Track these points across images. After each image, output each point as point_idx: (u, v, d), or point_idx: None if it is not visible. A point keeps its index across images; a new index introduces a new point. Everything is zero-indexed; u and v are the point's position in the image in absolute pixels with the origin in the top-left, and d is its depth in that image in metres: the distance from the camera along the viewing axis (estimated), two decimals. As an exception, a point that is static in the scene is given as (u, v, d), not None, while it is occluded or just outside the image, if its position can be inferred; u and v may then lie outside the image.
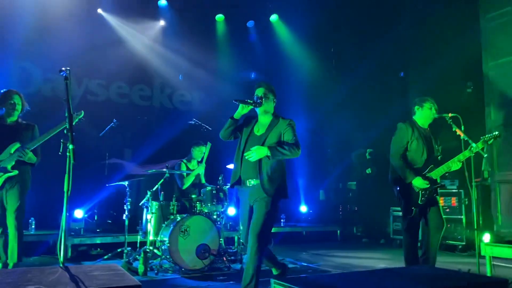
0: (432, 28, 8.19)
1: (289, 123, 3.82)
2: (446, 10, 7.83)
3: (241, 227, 3.99)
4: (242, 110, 3.77)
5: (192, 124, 6.99)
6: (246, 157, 3.65)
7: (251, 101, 3.77)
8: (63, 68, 2.90)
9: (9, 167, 4.33)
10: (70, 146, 2.70)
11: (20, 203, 4.38)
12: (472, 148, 4.19)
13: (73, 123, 3.57)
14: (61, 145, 2.80)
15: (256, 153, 3.60)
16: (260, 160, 3.71)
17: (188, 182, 6.22)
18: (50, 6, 7.45)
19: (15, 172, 4.34)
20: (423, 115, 4.41)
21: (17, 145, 4.38)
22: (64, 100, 2.87)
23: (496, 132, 4.35)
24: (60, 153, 2.77)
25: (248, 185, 3.78)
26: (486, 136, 4.30)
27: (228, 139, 3.93)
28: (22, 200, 4.40)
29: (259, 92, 3.86)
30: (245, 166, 3.79)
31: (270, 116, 3.89)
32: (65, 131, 2.79)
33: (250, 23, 9.59)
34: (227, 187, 5.59)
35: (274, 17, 9.50)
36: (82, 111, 4.49)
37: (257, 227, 3.61)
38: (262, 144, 3.70)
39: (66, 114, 2.80)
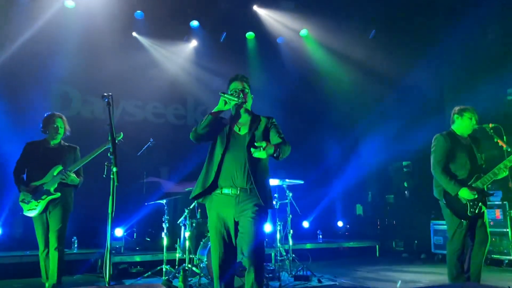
0: (471, 38, 7.98)
1: (272, 120, 3.37)
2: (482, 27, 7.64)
3: (214, 249, 3.19)
4: (224, 106, 3.24)
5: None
6: (253, 154, 3.02)
7: (237, 98, 3.25)
8: (105, 94, 3.00)
9: (52, 189, 4.41)
10: (114, 169, 2.78)
11: (62, 225, 4.43)
12: None
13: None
14: (105, 168, 2.88)
15: (267, 150, 2.98)
16: (249, 162, 3.15)
17: None
18: (88, 31, 7.77)
19: (58, 194, 4.41)
20: (463, 124, 4.30)
21: (60, 167, 4.46)
22: (108, 124, 2.97)
23: None
24: (104, 176, 2.86)
25: (230, 193, 3.14)
26: None
27: (202, 140, 3.33)
28: (64, 222, 4.45)
29: (238, 86, 3.39)
30: (227, 171, 3.17)
31: (249, 114, 3.41)
32: (108, 154, 2.87)
33: (280, 39, 9.66)
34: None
35: (304, 32, 9.53)
36: (121, 133, 4.55)
37: (256, 246, 3.00)
38: (249, 144, 3.15)
39: (109, 138, 2.89)
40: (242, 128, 3.32)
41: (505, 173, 4.10)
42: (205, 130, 3.25)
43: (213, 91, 9.35)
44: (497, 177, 4.11)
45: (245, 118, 3.37)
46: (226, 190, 3.16)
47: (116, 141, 4.31)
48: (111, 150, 2.83)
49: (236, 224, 3.14)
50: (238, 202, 3.12)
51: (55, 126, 4.60)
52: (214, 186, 3.20)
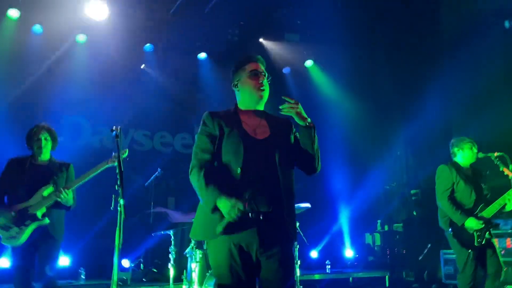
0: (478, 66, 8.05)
1: (291, 122, 2.65)
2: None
3: None
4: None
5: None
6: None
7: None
8: (114, 128, 3.06)
9: (39, 214, 3.66)
10: (121, 201, 2.80)
11: (52, 261, 3.70)
12: None
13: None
14: (112, 200, 2.90)
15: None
16: (281, 177, 2.38)
17: None
18: (98, 63, 8.00)
19: (46, 221, 3.66)
20: (465, 155, 4.30)
21: (50, 188, 3.74)
22: (115, 157, 3.02)
23: None
24: (112, 208, 2.88)
25: (258, 218, 2.28)
26: None
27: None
28: (55, 257, 3.75)
29: (262, 66, 2.67)
30: (254, 188, 2.33)
31: (263, 111, 2.64)
32: (116, 187, 2.90)
33: (286, 70, 9.82)
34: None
35: (309, 63, 9.69)
36: (127, 149, 3.97)
37: None
38: (274, 153, 2.41)
39: (117, 171, 2.93)
40: (258, 130, 2.64)
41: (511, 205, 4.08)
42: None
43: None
44: (505, 210, 4.09)
45: (260, 116, 2.74)
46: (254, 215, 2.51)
47: (122, 158, 3.72)
48: (118, 182, 2.87)
49: (257, 262, 2.44)
50: (263, 232, 2.41)
51: (39, 138, 3.85)
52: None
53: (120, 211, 2.80)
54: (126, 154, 3.92)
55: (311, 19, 8.80)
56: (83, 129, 8.49)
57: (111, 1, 7.44)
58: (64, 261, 7.04)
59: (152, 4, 7.97)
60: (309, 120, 2.52)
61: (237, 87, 2.68)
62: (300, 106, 2.50)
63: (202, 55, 9.19)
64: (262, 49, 9.21)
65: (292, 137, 2.65)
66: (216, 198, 2.34)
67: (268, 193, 2.35)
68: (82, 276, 6.58)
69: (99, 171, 3.88)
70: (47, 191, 3.72)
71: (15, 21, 7.44)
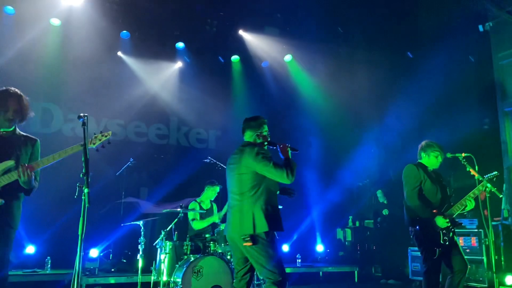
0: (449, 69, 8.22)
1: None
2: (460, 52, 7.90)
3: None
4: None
5: (207, 162, 7.07)
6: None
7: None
8: (82, 114, 2.99)
9: None
10: (86, 190, 2.75)
11: (4, 248, 3.13)
12: (480, 186, 4.15)
13: (101, 143, 3.47)
14: (77, 189, 2.84)
15: None
16: None
17: (198, 226, 6.07)
18: (71, 49, 7.80)
19: (1, 201, 3.10)
20: (430, 162, 4.39)
21: (10, 163, 3.17)
22: (81, 145, 2.96)
23: (495, 172, 4.30)
24: (75, 197, 2.82)
25: None
26: (490, 174, 4.25)
27: None
28: (7, 245, 3.16)
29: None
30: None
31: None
32: (81, 175, 2.84)
33: (265, 64, 9.81)
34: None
35: (288, 58, 9.70)
36: (110, 131, 3.68)
37: None
38: None
39: (83, 159, 2.87)
40: None
41: (472, 205, 4.19)
42: None
43: (197, 112, 9.42)
44: (466, 209, 4.19)
45: None
46: None
47: (105, 139, 3.61)
48: (83, 171, 2.81)
49: None
50: None
51: (7, 108, 3.27)
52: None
53: (84, 200, 2.74)
54: (110, 136, 3.64)
55: (291, 13, 8.81)
56: (55, 116, 8.28)
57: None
58: (29, 249, 6.91)
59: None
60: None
61: None
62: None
63: (180, 45, 9.08)
64: (241, 41, 9.18)
65: None
66: None
67: None
68: (48, 265, 6.45)
69: (70, 153, 3.27)
70: (5, 166, 3.15)
71: (-15, 0, 7.19)
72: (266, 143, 3.69)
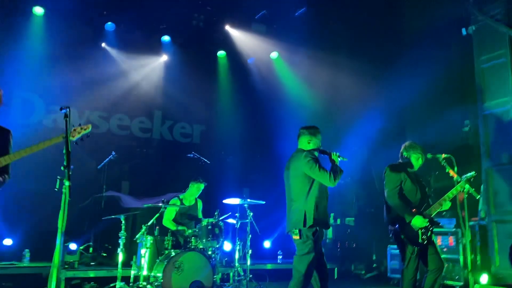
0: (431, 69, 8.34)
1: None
2: (442, 52, 8.01)
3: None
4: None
5: (191, 157, 7.04)
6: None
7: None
8: (64, 106, 2.96)
9: None
10: (66, 183, 2.72)
11: None
12: (459, 187, 4.23)
13: (80, 137, 3.49)
14: (58, 182, 2.80)
15: None
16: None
17: (168, 225, 6.00)
18: (54, 38, 7.65)
19: None
20: (410, 163, 4.47)
21: None
22: (63, 137, 2.92)
23: (473, 172, 4.39)
24: (56, 189, 2.78)
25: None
26: (468, 175, 4.33)
27: None
28: None
29: None
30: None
31: None
32: (62, 168, 2.80)
33: (251, 60, 9.80)
34: (222, 222, 5.59)
35: (274, 55, 9.71)
36: (90, 125, 3.73)
37: None
38: None
39: (64, 151, 2.83)
40: None
41: (448, 205, 4.27)
42: None
43: (181, 106, 9.37)
44: (442, 208, 4.28)
45: None
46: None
47: (84, 133, 3.63)
48: (64, 163, 2.78)
49: None
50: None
51: None
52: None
53: (65, 193, 2.72)
54: (90, 130, 3.66)
55: (279, 12, 8.81)
56: (36, 107, 8.13)
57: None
58: (7, 242, 6.79)
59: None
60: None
61: None
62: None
63: (166, 38, 9.01)
64: (228, 36, 9.15)
65: None
66: None
67: None
68: (27, 258, 6.35)
69: (47, 145, 3.30)
70: None
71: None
72: (317, 151, 4.15)
